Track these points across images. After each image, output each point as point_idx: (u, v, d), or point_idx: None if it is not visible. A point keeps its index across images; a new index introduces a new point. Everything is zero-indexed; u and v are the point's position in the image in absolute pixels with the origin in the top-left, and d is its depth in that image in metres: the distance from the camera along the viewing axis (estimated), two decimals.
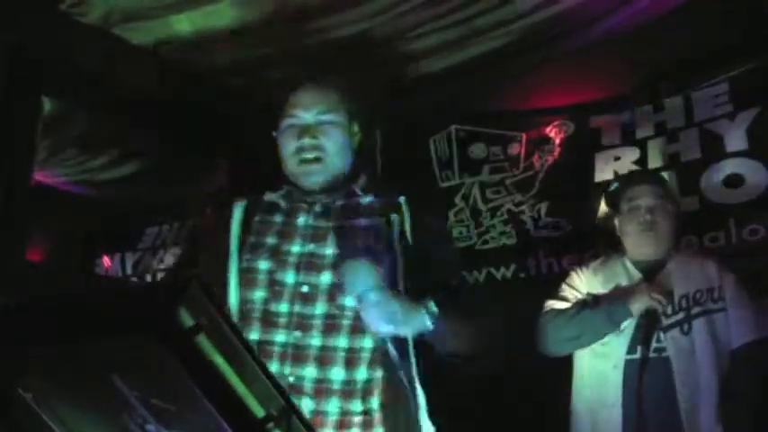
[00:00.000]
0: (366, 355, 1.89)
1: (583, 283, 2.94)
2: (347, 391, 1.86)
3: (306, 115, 2.04)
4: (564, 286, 2.97)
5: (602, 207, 3.39)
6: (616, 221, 2.98)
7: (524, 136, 4.14)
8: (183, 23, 3.49)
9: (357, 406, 1.86)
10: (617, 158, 3.88)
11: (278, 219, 2.01)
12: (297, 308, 1.89)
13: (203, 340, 1.07)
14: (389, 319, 1.81)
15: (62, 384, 1.25)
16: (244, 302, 1.93)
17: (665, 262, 2.85)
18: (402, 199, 2.09)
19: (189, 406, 1.10)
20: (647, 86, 3.87)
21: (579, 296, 2.90)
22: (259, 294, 1.92)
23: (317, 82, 2.11)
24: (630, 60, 3.78)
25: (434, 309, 1.90)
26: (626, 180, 3.07)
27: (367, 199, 2.07)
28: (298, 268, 1.93)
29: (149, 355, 1.06)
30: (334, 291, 1.90)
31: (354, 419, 1.86)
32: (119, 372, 1.14)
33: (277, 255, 1.95)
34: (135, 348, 1.08)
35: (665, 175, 3.60)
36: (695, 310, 2.74)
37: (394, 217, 2.03)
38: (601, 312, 2.76)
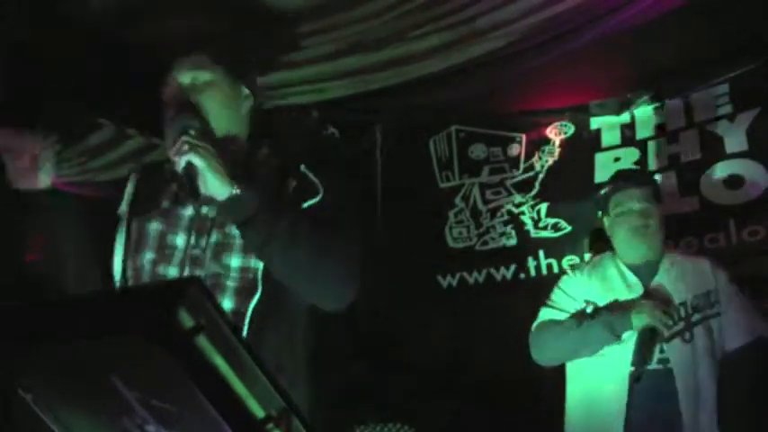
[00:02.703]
0: (243, 317, 1.83)
1: (578, 289, 2.90)
2: None
3: (181, 77, 1.99)
4: (558, 293, 2.93)
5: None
6: (606, 223, 2.97)
7: (524, 137, 4.14)
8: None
9: None
10: (617, 159, 3.88)
11: (173, 186, 1.98)
12: (186, 272, 1.86)
13: (203, 341, 1.07)
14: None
15: (62, 385, 1.25)
16: (132, 266, 1.92)
17: (658, 262, 2.83)
18: (303, 167, 1.96)
19: (189, 407, 1.10)
20: (648, 87, 3.87)
21: (575, 304, 2.86)
22: (149, 256, 1.91)
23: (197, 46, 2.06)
24: (631, 61, 3.78)
25: (248, 196, 1.81)
26: (615, 181, 3.03)
27: (264, 169, 1.99)
28: (189, 231, 1.90)
29: (149, 355, 1.06)
30: (220, 250, 1.87)
31: None
32: (119, 372, 1.14)
33: (169, 217, 1.92)
34: (135, 349, 1.07)
35: (664, 175, 3.61)
36: (695, 317, 2.73)
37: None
38: (602, 324, 2.71)
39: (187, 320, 1.06)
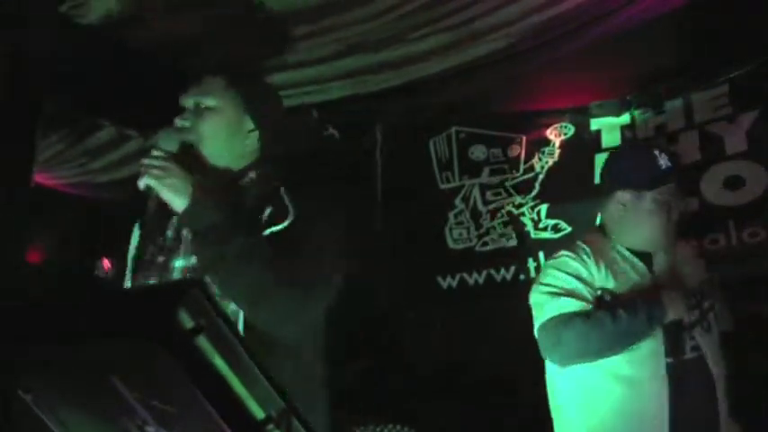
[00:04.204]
0: None
1: (589, 275, 2.60)
2: None
3: (185, 100, 2.00)
4: (569, 279, 2.58)
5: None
6: (620, 207, 2.69)
7: (524, 138, 4.14)
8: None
9: None
10: None
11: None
12: None
13: (203, 342, 1.08)
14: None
15: (62, 386, 1.25)
16: None
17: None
18: (282, 190, 1.93)
19: (189, 407, 1.10)
20: (648, 88, 3.87)
21: (592, 292, 2.57)
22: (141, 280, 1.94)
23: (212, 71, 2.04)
24: (630, 62, 3.78)
25: (206, 218, 1.82)
26: (668, 172, 2.68)
27: (248, 196, 1.98)
28: (171, 252, 1.94)
29: (149, 356, 1.06)
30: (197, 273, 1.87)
31: None
32: (119, 373, 1.14)
33: (165, 272, 1.93)
34: (135, 350, 1.08)
35: None
36: (706, 304, 2.64)
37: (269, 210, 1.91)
38: (645, 316, 2.49)
39: (187, 321, 1.06)
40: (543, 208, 3.98)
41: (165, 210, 1.93)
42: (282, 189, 1.92)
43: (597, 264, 2.59)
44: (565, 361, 2.56)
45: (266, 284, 1.79)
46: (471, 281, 4.04)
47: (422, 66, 3.81)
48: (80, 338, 1.16)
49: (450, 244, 4.14)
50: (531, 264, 3.94)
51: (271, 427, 1.12)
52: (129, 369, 1.13)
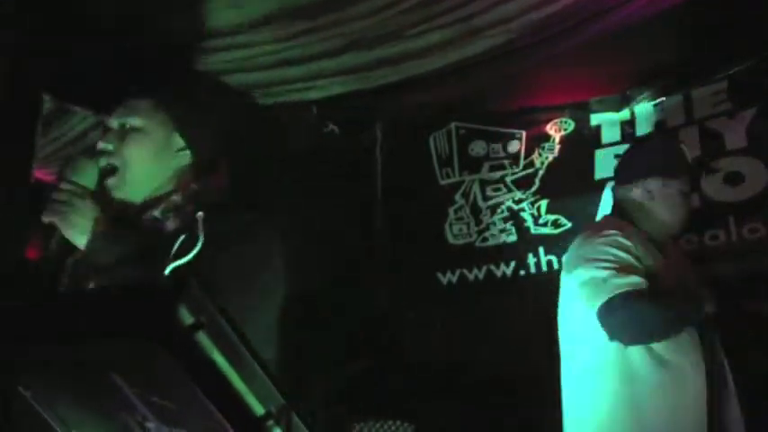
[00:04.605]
0: None
1: (639, 257, 2.55)
2: None
3: (110, 121, 1.92)
4: (628, 257, 2.51)
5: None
6: (639, 194, 2.73)
7: (525, 133, 4.14)
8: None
9: None
10: (617, 156, 3.87)
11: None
12: None
13: (203, 338, 1.08)
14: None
15: (62, 382, 1.26)
16: None
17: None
18: (200, 215, 1.77)
19: (188, 404, 1.10)
20: (647, 84, 3.87)
21: (643, 273, 2.52)
22: None
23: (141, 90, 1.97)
24: (630, 58, 3.78)
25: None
26: (682, 163, 2.79)
27: (168, 222, 1.87)
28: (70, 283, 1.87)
29: (149, 353, 1.06)
30: None
31: None
32: (119, 370, 1.14)
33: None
34: (135, 346, 1.08)
35: None
36: None
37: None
38: (695, 307, 2.53)
39: (187, 318, 1.06)
40: (543, 203, 3.98)
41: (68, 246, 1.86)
42: (200, 214, 1.76)
43: (640, 252, 2.55)
44: (633, 338, 2.47)
45: None
46: (471, 276, 4.04)
47: (421, 62, 3.81)
48: (80, 337, 1.16)
49: (450, 239, 4.14)
50: (531, 259, 3.94)
51: (270, 423, 1.13)
52: (129, 365, 1.13)
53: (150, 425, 1.18)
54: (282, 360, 1.86)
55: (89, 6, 3.35)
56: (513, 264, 3.97)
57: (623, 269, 2.46)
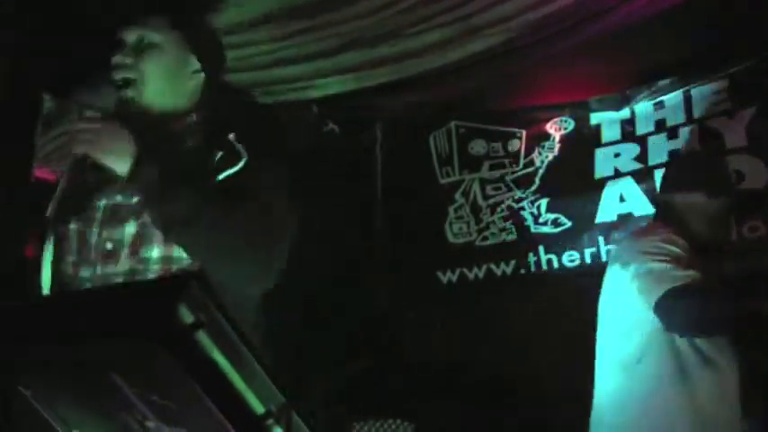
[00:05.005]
0: None
1: (692, 259, 2.63)
2: None
3: (127, 34, 1.91)
4: (683, 253, 2.60)
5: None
6: (675, 199, 2.83)
7: (525, 132, 4.14)
8: None
9: None
10: (617, 155, 3.88)
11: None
12: (99, 270, 1.76)
13: (203, 337, 1.08)
14: None
15: (62, 382, 1.26)
16: (58, 274, 1.81)
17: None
18: (232, 136, 1.85)
19: (189, 403, 1.10)
20: (647, 83, 3.87)
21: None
22: (70, 259, 1.81)
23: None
24: (630, 57, 3.78)
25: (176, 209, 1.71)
26: (690, 173, 2.89)
27: (191, 139, 1.90)
28: (101, 224, 1.81)
29: (149, 352, 1.06)
30: (138, 242, 1.76)
31: None
32: (119, 369, 1.14)
33: (86, 212, 1.83)
34: (135, 345, 1.08)
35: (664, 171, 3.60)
36: None
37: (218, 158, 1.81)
38: (735, 307, 2.56)
39: (186, 316, 1.06)
40: (543, 202, 3.98)
41: (85, 182, 1.82)
42: (233, 135, 1.83)
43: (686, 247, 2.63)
44: (690, 329, 2.53)
45: (223, 240, 1.70)
46: (471, 275, 4.04)
47: (420, 61, 3.81)
48: (80, 336, 1.16)
49: (450, 238, 4.14)
50: (531, 258, 3.93)
51: (270, 421, 1.12)
52: (129, 364, 1.13)
53: (150, 424, 1.18)
54: (282, 360, 1.87)
55: (89, 6, 3.35)
56: (513, 263, 3.97)
57: (682, 263, 2.53)
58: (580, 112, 4.03)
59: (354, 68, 3.85)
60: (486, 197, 4.12)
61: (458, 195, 4.18)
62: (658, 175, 3.63)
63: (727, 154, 3.57)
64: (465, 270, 4.05)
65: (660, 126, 3.82)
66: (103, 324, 1.14)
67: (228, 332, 1.11)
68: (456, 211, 4.16)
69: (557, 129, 4.06)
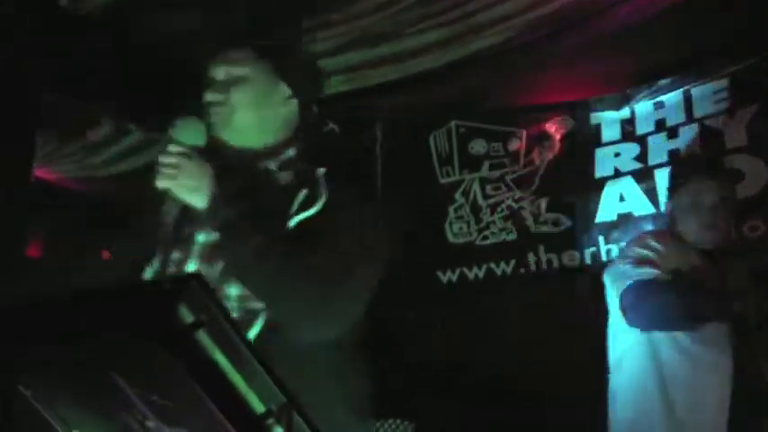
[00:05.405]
0: None
1: (670, 254, 2.70)
2: None
3: (215, 71, 1.93)
4: (652, 254, 2.68)
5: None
6: (671, 206, 2.87)
7: (525, 132, 4.14)
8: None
9: None
10: (617, 154, 3.88)
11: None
12: None
13: (203, 337, 1.08)
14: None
15: (62, 382, 1.26)
16: None
17: (720, 254, 2.78)
18: (320, 171, 1.83)
19: (189, 402, 1.10)
20: (647, 82, 3.87)
21: (667, 268, 2.66)
22: None
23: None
24: (630, 56, 3.78)
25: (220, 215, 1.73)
26: (690, 169, 2.94)
27: (282, 175, 1.89)
28: (199, 259, 1.82)
29: (149, 351, 1.06)
30: (223, 279, 1.77)
31: None
32: (119, 369, 1.14)
33: (187, 244, 1.84)
34: (135, 345, 1.08)
35: (665, 171, 3.60)
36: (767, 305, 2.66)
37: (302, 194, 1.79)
38: (714, 305, 2.59)
39: (187, 316, 1.06)
40: (543, 202, 3.98)
41: (190, 214, 1.84)
42: (320, 171, 1.83)
43: (677, 249, 2.72)
44: (645, 324, 2.62)
45: (286, 282, 1.69)
46: (471, 275, 4.04)
47: (421, 61, 3.81)
48: (80, 336, 1.16)
49: (450, 238, 4.14)
50: (531, 258, 3.93)
51: (271, 421, 1.12)
52: (130, 364, 1.13)
53: (150, 424, 1.18)
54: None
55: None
56: (513, 262, 3.97)
57: (641, 262, 2.64)
58: (580, 111, 4.03)
59: (356, 68, 3.85)
60: (486, 197, 4.12)
61: (458, 195, 4.18)
62: (658, 174, 3.64)
63: (727, 153, 3.57)
64: (465, 270, 4.05)
65: (660, 126, 3.82)
66: (103, 325, 1.14)
67: (229, 332, 1.11)
68: (456, 210, 4.16)
69: (557, 128, 4.06)
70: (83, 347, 1.15)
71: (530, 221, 3.99)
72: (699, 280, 2.64)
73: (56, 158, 4.70)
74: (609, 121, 3.97)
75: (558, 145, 4.05)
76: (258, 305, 1.74)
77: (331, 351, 1.79)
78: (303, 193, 1.78)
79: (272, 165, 1.91)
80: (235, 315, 1.66)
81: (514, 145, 4.13)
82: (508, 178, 4.10)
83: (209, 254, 1.81)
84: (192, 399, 1.08)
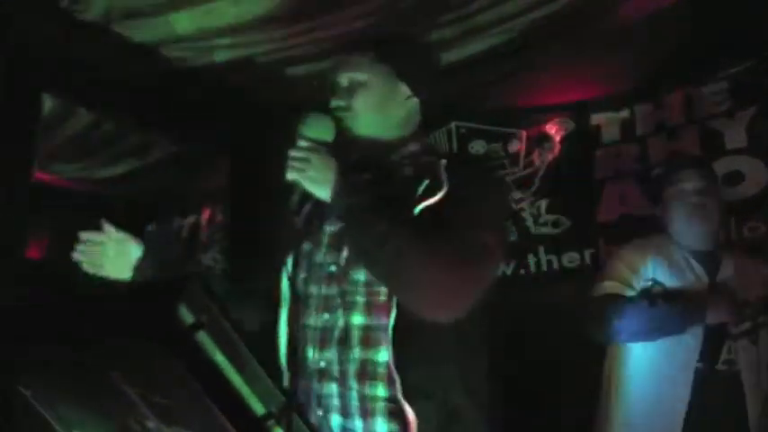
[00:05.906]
0: (385, 335, 1.79)
1: (643, 266, 2.73)
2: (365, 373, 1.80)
3: (338, 79, 2.02)
4: (621, 267, 2.77)
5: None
6: (662, 208, 2.88)
7: (524, 133, 4.13)
8: (184, 22, 3.48)
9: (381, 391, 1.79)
10: (617, 155, 3.88)
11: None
12: (324, 289, 1.89)
13: (204, 338, 1.08)
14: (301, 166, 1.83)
15: (63, 382, 1.26)
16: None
17: (720, 256, 2.77)
18: (443, 162, 1.90)
19: (189, 403, 1.10)
20: (647, 84, 3.87)
21: (640, 282, 2.72)
22: (302, 275, 1.95)
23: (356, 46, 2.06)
24: (630, 58, 3.78)
25: (347, 193, 1.82)
26: (672, 164, 3.00)
27: (405, 168, 1.98)
28: (327, 247, 1.94)
29: (150, 352, 1.06)
30: (351, 265, 1.87)
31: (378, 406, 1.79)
32: (120, 370, 1.14)
33: (316, 236, 1.96)
34: (136, 346, 1.08)
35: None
36: (761, 318, 2.65)
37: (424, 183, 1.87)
38: (678, 312, 2.60)
39: (187, 317, 1.06)
40: (543, 203, 3.98)
41: (320, 205, 1.93)
42: (443, 162, 1.89)
43: (655, 258, 2.75)
44: (599, 336, 2.71)
45: (411, 268, 1.74)
46: None
47: None
48: (80, 337, 1.16)
49: None
50: (531, 259, 3.93)
51: (271, 422, 1.12)
52: (130, 365, 1.13)
53: (151, 424, 1.18)
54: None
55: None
56: (513, 263, 3.97)
57: (615, 278, 2.75)
58: (580, 112, 4.03)
59: None
60: None
61: None
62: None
63: (727, 154, 3.57)
64: None
65: (660, 126, 3.81)
66: (104, 325, 1.14)
67: (229, 333, 1.11)
68: None
69: (557, 129, 4.06)
70: (84, 348, 1.15)
71: (530, 223, 3.99)
72: (673, 292, 2.66)
73: (55, 159, 4.70)
74: (609, 121, 3.97)
75: (557, 146, 4.05)
76: (381, 289, 1.82)
77: (452, 332, 1.91)
78: (425, 184, 1.86)
79: (396, 158, 2.00)
80: (363, 299, 1.82)
81: (514, 146, 4.13)
82: (508, 179, 4.10)
83: (337, 243, 1.91)
84: (192, 399, 1.08)
